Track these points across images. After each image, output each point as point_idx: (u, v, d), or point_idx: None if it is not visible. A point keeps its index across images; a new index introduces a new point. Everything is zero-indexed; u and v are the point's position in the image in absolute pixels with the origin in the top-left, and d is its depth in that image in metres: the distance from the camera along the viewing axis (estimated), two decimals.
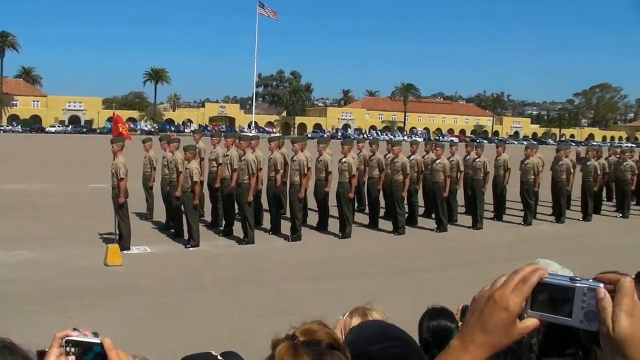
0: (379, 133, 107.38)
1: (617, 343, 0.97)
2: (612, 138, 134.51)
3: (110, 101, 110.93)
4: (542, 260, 3.13)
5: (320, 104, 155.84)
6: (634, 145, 71.34)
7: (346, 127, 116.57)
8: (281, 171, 14.42)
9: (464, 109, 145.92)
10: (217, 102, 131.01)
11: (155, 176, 15.60)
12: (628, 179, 19.93)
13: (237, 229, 13.76)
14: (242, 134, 28.81)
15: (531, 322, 1.05)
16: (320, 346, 1.33)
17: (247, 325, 7.90)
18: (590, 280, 1.02)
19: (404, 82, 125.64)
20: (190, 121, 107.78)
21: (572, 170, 18.26)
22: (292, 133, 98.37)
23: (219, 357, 1.79)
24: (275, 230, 14.41)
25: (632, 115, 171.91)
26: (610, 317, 0.98)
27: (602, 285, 1.01)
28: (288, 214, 14.50)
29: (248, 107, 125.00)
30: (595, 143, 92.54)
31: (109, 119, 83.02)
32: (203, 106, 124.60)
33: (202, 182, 13.80)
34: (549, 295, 1.04)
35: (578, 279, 1.03)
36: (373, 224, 15.69)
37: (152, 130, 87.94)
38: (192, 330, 7.73)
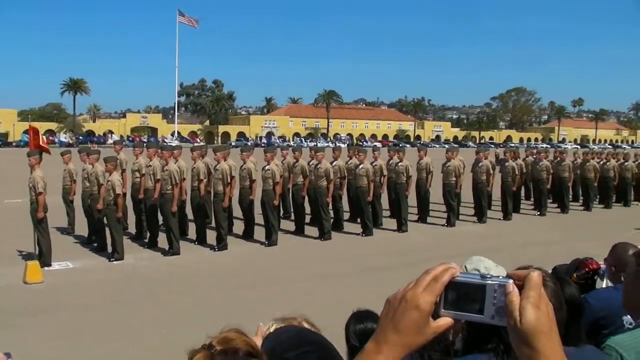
0: (303, 140, 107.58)
1: (524, 335, 1.00)
2: (529, 139, 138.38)
3: (26, 113, 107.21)
4: (476, 258, 3.20)
5: (244, 112, 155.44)
6: (548, 146, 73.72)
7: (270, 134, 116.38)
8: (204, 180, 14.27)
9: (386, 115, 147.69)
10: (138, 112, 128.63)
11: (75, 189, 15.19)
12: (544, 178, 20.55)
13: (162, 240, 13.55)
14: (165, 144, 28.42)
15: (444, 320, 1.06)
16: (237, 355, 1.31)
17: (177, 337, 7.76)
18: (501, 277, 1.04)
19: (327, 88, 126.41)
20: (111, 132, 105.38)
21: (491, 172, 18.73)
22: (215, 142, 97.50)
23: None
24: (201, 240, 14.26)
25: (545, 117, 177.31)
26: (517, 310, 1.00)
27: (511, 281, 1.03)
28: (213, 224, 14.37)
29: (170, 116, 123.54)
30: (513, 145, 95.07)
31: (25, 132, 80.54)
32: (124, 117, 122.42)
33: (124, 194, 13.53)
34: (461, 294, 1.05)
35: (489, 276, 1.05)
36: (299, 231, 15.70)
37: (72, 142, 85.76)
38: (119, 346, 7.57)
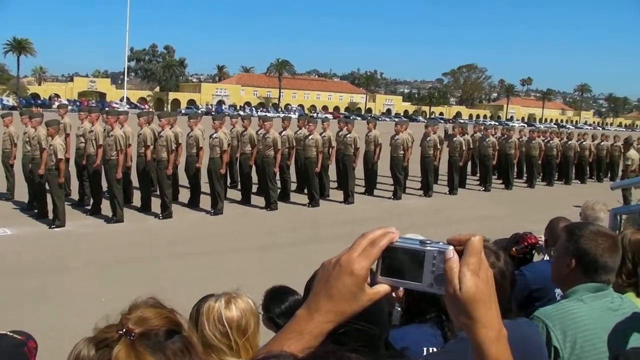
0: (254, 109, 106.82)
1: (463, 303, 0.97)
2: (478, 116, 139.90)
3: None
4: (410, 235, 3.19)
5: (195, 80, 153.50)
6: (497, 123, 74.73)
7: (221, 103, 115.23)
8: (151, 147, 14.05)
9: (338, 87, 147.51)
10: (87, 76, 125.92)
11: (15, 153, 14.76)
12: (490, 155, 20.82)
13: (106, 207, 13.33)
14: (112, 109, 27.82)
15: (381, 287, 1.02)
16: (159, 337, 1.23)
17: (118, 306, 7.64)
18: (441, 243, 1.01)
19: (279, 58, 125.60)
20: (57, 96, 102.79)
21: (439, 146, 18.87)
22: (165, 109, 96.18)
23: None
24: (145, 208, 14.08)
25: (495, 95, 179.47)
26: (456, 277, 0.97)
27: (451, 247, 0.99)
28: (158, 191, 14.20)
29: (120, 82, 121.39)
30: (462, 121, 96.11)
31: None
32: (72, 80, 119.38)
33: (67, 159, 13.24)
34: (400, 260, 1.01)
35: (428, 242, 1.01)
36: (245, 200, 15.62)
37: (15, 105, 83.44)
38: (58, 315, 7.44)
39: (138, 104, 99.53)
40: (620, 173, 22.15)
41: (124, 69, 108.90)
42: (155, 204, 13.93)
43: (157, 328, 1.23)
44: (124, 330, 1.18)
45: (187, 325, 1.32)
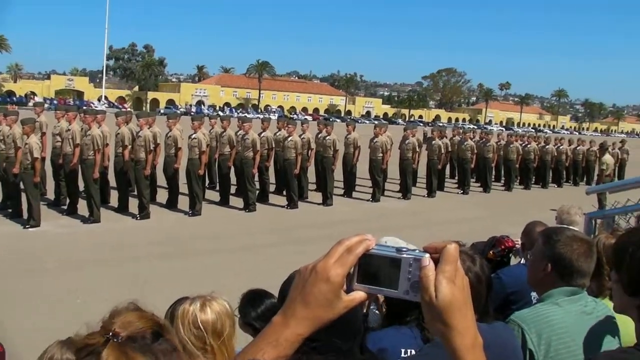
0: (233, 110, 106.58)
1: (439, 311, 0.97)
2: (457, 119, 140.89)
3: None
4: (387, 238, 3.21)
5: (174, 80, 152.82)
6: (475, 127, 75.23)
7: (200, 103, 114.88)
8: (129, 147, 13.97)
9: (318, 88, 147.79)
10: (64, 74, 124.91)
11: None
12: (468, 158, 20.95)
13: (82, 207, 13.22)
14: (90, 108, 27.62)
15: (357, 294, 1.02)
16: (146, 339, 1.21)
17: (94, 308, 7.59)
18: (417, 251, 1.01)
19: (260, 59, 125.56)
20: (33, 94, 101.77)
21: (417, 149, 18.93)
22: (144, 108, 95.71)
23: None
24: (122, 208, 13.98)
25: (474, 99, 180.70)
26: (432, 285, 0.97)
27: (427, 255, 1.00)
28: (136, 192, 14.10)
29: (98, 80, 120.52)
30: (441, 124, 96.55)
31: None
32: (49, 78, 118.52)
33: (43, 159, 13.11)
34: (376, 267, 1.01)
35: (404, 249, 1.01)
36: (224, 201, 15.58)
37: None
38: (33, 316, 7.36)
39: (116, 103, 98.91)
40: (595, 177, 22.37)
41: (103, 67, 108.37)
42: (133, 204, 13.83)
43: (143, 331, 1.21)
44: (111, 333, 1.16)
45: (170, 328, 1.31)
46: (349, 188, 18.23)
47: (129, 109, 55.60)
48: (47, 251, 10.54)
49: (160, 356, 1.16)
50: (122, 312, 1.23)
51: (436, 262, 0.99)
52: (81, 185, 13.36)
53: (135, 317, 1.22)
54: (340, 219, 14.53)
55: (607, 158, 18.53)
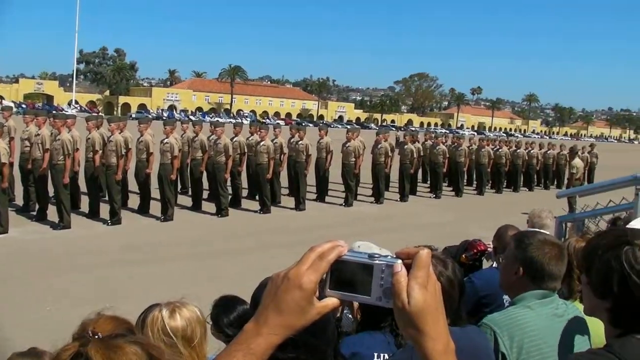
0: (205, 115, 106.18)
1: (411, 317, 0.97)
2: (429, 124, 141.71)
3: None
4: (360, 243, 3.22)
5: (146, 84, 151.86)
6: (447, 131, 75.77)
7: (172, 107, 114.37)
8: (99, 152, 13.85)
9: (290, 93, 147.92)
10: (33, 78, 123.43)
11: None
12: (440, 162, 21.09)
13: (52, 213, 13.06)
14: (60, 112, 27.38)
15: (330, 301, 1.02)
16: (126, 336, 1.20)
17: (62, 317, 7.49)
18: (389, 257, 1.01)
19: (232, 64, 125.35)
20: (2, 98, 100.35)
21: (390, 154, 19.01)
22: (115, 113, 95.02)
23: None
24: (93, 214, 13.85)
25: (446, 103, 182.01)
26: (404, 291, 0.97)
27: (399, 261, 1.00)
28: (107, 197, 13.98)
29: (68, 84, 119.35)
30: (413, 128, 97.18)
31: None
32: (17, 82, 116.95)
33: (11, 164, 12.94)
34: (348, 273, 1.01)
35: (377, 255, 1.01)
36: (196, 206, 15.51)
37: None
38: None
39: (87, 108, 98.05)
40: (566, 181, 22.62)
41: (73, 71, 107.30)
42: (104, 209, 13.71)
43: (120, 331, 1.21)
44: (90, 333, 1.14)
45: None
46: (322, 193, 18.24)
47: (99, 114, 55.19)
48: (16, 258, 10.36)
49: (145, 345, 1.16)
50: (93, 320, 1.23)
51: (408, 267, 0.99)
52: (51, 191, 13.20)
53: (107, 321, 1.22)
54: (313, 224, 14.54)
55: (577, 162, 18.76)
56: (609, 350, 1.63)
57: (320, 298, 1.02)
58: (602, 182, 7.63)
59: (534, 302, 2.64)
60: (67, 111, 65.87)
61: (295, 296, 1.00)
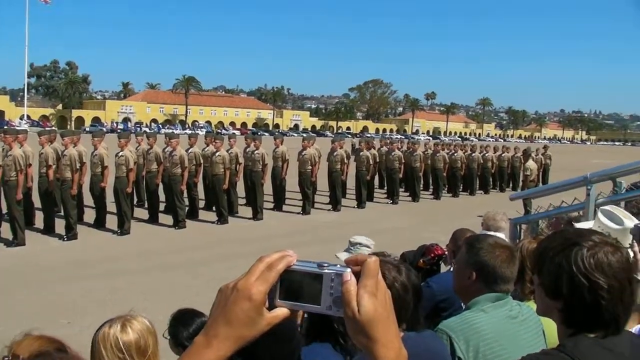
0: (160, 127, 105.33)
1: (361, 325, 0.98)
2: (384, 130, 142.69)
3: None
4: (357, 237, 3.24)
5: (99, 97, 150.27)
6: (403, 137, 76.35)
7: (126, 120, 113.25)
8: (53, 167, 13.66)
9: (245, 102, 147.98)
10: None
11: None
12: (396, 168, 21.19)
13: (6, 230, 12.81)
14: (10, 128, 26.93)
15: (280, 311, 1.02)
16: (51, 354, 1.19)
17: (9, 336, 7.35)
18: (339, 266, 1.01)
19: (185, 74, 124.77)
20: None
21: (346, 161, 19.06)
22: (68, 127, 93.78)
23: None
24: (48, 229, 13.63)
25: (401, 109, 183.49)
26: (354, 299, 0.97)
27: (349, 270, 1.00)
28: (62, 212, 13.78)
29: (19, 99, 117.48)
30: (369, 135, 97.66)
31: None
32: None
33: None
34: (298, 283, 1.01)
35: (326, 265, 1.01)
36: (153, 219, 15.38)
37: None
38: None
39: (40, 122, 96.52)
40: (521, 183, 22.95)
41: (24, 85, 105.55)
42: (59, 225, 13.52)
43: (45, 349, 1.19)
44: (10, 356, 1.13)
45: (72, 348, 1.30)
46: (279, 201, 18.22)
47: (53, 128, 54.41)
48: None
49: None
50: (20, 341, 1.22)
51: (359, 275, 1.00)
52: (4, 207, 12.96)
53: (33, 340, 1.21)
54: (271, 233, 14.51)
55: (531, 164, 19.10)
56: (562, 351, 1.65)
57: (270, 308, 1.01)
58: (554, 184, 7.76)
59: (488, 306, 2.67)
60: (18, 126, 64.79)
61: (244, 307, 0.99)
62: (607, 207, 3.73)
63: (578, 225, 4.01)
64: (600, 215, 3.54)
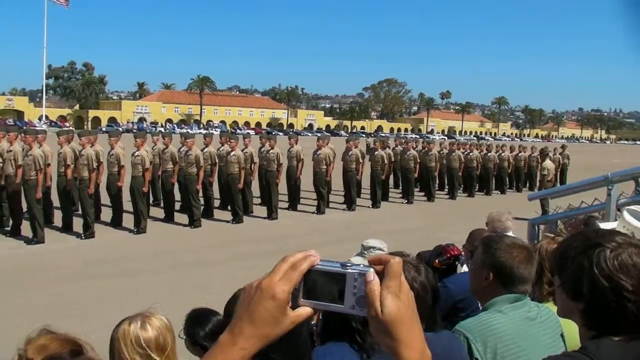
0: (175, 126, 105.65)
1: (385, 325, 0.98)
2: (399, 129, 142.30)
3: None
4: (371, 240, 3.24)
5: (115, 97, 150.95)
6: (417, 136, 76.09)
7: (142, 120, 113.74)
8: (71, 166, 13.76)
9: (259, 102, 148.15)
10: (3, 94, 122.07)
11: None
12: (411, 167, 21.11)
13: (26, 228, 12.94)
14: (30, 128, 27.02)
15: (304, 310, 1.02)
16: (65, 358, 1.19)
17: (25, 333, 7.39)
18: (362, 266, 1.01)
19: (200, 74, 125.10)
20: None
21: (361, 160, 18.99)
22: (85, 127, 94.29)
23: None
24: (67, 228, 13.75)
25: (415, 108, 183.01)
26: (378, 300, 0.98)
27: (372, 270, 1.00)
28: (80, 211, 13.88)
29: (38, 100, 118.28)
30: (383, 134, 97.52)
31: None
32: None
33: None
34: (321, 283, 1.01)
35: (349, 264, 1.01)
36: (169, 218, 15.45)
37: None
38: None
39: (58, 122, 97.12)
40: (538, 183, 22.80)
41: (42, 86, 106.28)
42: (77, 223, 13.64)
43: (59, 352, 1.19)
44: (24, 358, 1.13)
45: (89, 347, 1.30)
46: (294, 201, 18.24)
47: (70, 128, 54.61)
48: None
49: None
50: (35, 339, 1.21)
51: (381, 274, 1.00)
52: (24, 206, 13.09)
53: (48, 340, 1.20)
54: (286, 233, 14.52)
55: (548, 164, 18.97)
56: (584, 353, 1.63)
57: (293, 308, 1.02)
58: (574, 184, 7.72)
59: (506, 307, 2.64)
60: (37, 126, 65.18)
61: (268, 306, 1.00)
62: (633, 207, 3.70)
63: (601, 225, 3.98)
64: (626, 214, 3.51)
